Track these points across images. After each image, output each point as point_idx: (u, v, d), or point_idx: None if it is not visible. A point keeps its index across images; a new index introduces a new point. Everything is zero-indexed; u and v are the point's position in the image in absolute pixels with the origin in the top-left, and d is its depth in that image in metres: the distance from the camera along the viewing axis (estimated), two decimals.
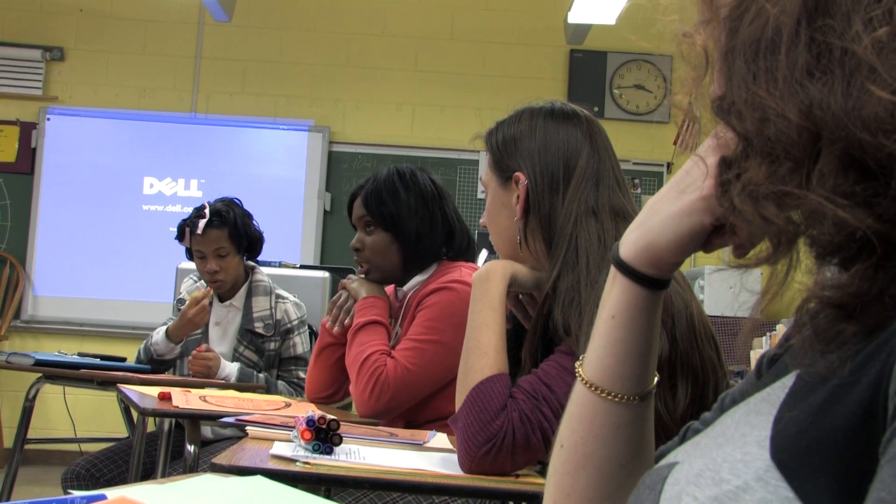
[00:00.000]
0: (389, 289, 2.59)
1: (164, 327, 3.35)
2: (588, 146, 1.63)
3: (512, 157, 1.66)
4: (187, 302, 3.29)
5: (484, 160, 1.74)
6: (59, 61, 6.47)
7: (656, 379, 0.86)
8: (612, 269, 0.84)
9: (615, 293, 0.83)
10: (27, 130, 6.38)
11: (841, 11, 0.57)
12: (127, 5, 6.49)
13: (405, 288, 2.47)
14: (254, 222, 3.45)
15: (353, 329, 2.38)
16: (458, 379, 1.55)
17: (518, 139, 1.66)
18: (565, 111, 1.67)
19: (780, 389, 0.65)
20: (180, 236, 3.35)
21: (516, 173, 1.64)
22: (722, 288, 5.30)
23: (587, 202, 1.59)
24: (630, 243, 0.82)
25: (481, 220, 1.77)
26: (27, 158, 6.36)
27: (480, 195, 6.24)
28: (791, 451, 0.57)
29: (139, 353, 3.44)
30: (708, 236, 0.77)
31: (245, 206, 3.48)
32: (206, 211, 3.32)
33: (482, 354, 1.53)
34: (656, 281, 0.82)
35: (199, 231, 3.28)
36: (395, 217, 2.44)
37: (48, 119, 6.38)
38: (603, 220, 1.57)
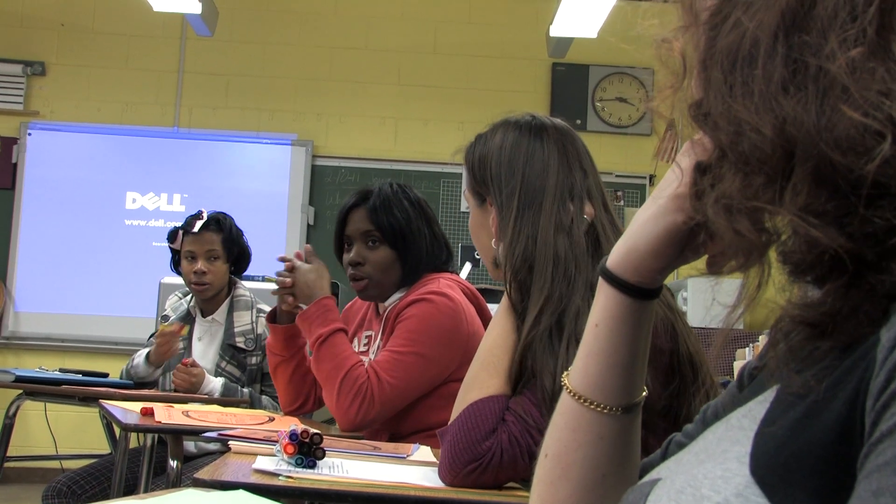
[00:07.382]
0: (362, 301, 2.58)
1: (147, 350, 3.35)
2: (557, 162, 1.57)
3: (484, 180, 1.61)
4: (159, 331, 3.31)
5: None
6: (41, 76, 6.44)
7: (644, 392, 0.85)
8: (600, 280, 0.83)
9: (600, 302, 0.83)
10: (8, 145, 6.34)
11: (817, 28, 0.57)
12: (109, 20, 6.47)
13: (387, 302, 2.44)
14: (244, 238, 3.50)
15: (315, 340, 2.29)
16: (462, 388, 1.52)
17: (489, 160, 1.60)
18: (539, 125, 1.62)
19: (760, 405, 0.65)
20: (172, 238, 3.38)
21: (489, 198, 1.60)
22: (706, 300, 5.32)
23: (559, 223, 1.53)
24: (614, 252, 0.82)
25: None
26: (8, 174, 6.32)
27: (464, 209, 6.24)
28: (770, 466, 0.57)
29: (121, 374, 3.47)
30: (690, 240, 0.76)
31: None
32: (205, 214, 3.38)
33: (494, 374, 1.50)
34: (639, 289, 0.81)
35: (195, 230, 3.31)
36: (406, 233, 2.38)
37: (29, 134, 6.34)
38: (577, 238, 1.53)
